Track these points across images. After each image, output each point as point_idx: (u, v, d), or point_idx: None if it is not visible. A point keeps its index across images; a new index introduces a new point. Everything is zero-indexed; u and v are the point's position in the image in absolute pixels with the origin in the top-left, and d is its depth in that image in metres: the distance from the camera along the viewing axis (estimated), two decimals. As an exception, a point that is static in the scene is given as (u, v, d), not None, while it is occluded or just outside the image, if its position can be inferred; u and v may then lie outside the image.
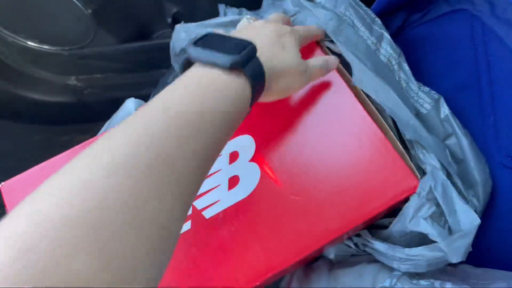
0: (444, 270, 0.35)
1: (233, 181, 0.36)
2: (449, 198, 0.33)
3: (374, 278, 0.34)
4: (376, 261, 0.36)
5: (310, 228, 0.34)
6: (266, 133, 0.38)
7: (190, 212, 0.35)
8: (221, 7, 0.48)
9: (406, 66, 0.39)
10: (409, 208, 0.33)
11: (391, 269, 0.34)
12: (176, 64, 0.50)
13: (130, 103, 0.50)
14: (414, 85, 0.39)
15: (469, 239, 0.31)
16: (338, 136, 0.37)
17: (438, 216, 0.33)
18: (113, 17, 0.66)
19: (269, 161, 0.37)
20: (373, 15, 0.42)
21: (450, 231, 0.32)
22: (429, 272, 0.34)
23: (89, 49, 0.69)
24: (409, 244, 0.34)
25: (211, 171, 0.36)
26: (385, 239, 0.35)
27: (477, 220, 0.32)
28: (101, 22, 0.65)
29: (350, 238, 0.38)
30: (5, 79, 0.72)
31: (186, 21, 0.68)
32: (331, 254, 0.38)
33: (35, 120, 0.76)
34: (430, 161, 0.35)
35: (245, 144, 0.37)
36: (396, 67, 0.40)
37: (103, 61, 0.72)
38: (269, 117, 0.38)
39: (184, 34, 0.45)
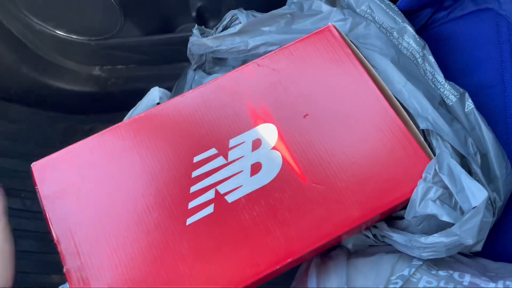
0: (463, 262, 0.35)
1: (256, 168, 0.37)
2: (456, 178, 0.33)
3: (393, 268, 0.34)
4: (394, 251, 0.36)
5: (330, 216, 0.35)
6: (289, 122, 0.38)
7: (213, 196, 0.36)
8: (230, 14, 0.49)
9: (431, 58, 0.40)
10: (417, 194, 0.34)
11: (410, 259, 0.35)
12: (191, 56, 0.52)
13: (155, 91, 0.51)
14: (440, 76, 0.39)
15: (479, 216, 0.31)
16: (359, 126, 0.38)
17: (448, 198, 0.33)
18: (140, 10, 0.68)
19: (291, 149, 0.37)
20: (396, 9, 0.43)
21: (462, 212, 0.33)
22: (448, 263, 0.35)
23: (115, 40, 0.70)
24: (427, 232, 0.34)
25: (234, 158, 0.37)
26: (403, 229, 0.36)
27: (484, 193, 0.32)
28: (127, 14, 0.67)
29: (368, 229, 0.38)
30: (32, 67, 0.74)
31: (211, 16, 0.70)
32: (349, 243, 0.39)
33: (59, 108, 0.78)
34: (441, 145, 0.35)
35: (268, 132, 0.38)
36: (420, 60, 0.40)
37: (128, 53, 0.73)
38: (291, 106, 0.39)
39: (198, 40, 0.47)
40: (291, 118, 0.39)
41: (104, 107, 0.78)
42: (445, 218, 0.32)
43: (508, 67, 0.42)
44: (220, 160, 0.37)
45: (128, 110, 0.51)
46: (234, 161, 0.37)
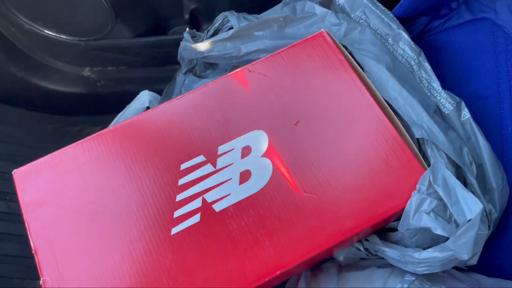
0: (456, 277, 0.34)
1: (245, 176, 0.36)
2: (451, 189, 0.32)
3: (385, 283, 0.33)
4: (386, 265, 0.35)
5: (322, 226, 0.34)
6: (280, 129, 0.37)
7: (200, 204, 0.35)
8: (221, 16, 0.47)
9: (427, 65, 0.39)
10: (410, 205, 0.33)
11: (402, 274, 0.34)
12: (182, 60, 0.51)
13: (144, 95, 0.50)
14: (437, 83, 0.38)
15: (474, 230, 0.30)
16: (352, 134, 0.37)
17: (442, 210, 0.32)
18: (131, 11, 0.67)
19: (282, 157, 0.36)
20: (391, 15, 0.42)
21: (457, 225, 0.32)
22: (441, 278, 0.34)
23: (105, 41, 0.69)
24: (421, 244, 0.33)
25: (222, 165, 0.36)
26: (396, 242, 0.35)
27: (479, 206, 0.31)
28: (119, 15, 0.65)
29: (361, 242, 0.37)
30: (20, 67, 0.73)
31: (204, 18, 0.69)
32: (340, 256, 0.38)
33: (48, 109, 0.76)
34: (436, 155, 0.34)
35: (258, 139, 0.37)
36: (415, 67, 0.39)
37: (118, 54, 0.72)
38: (282, 113, 0.38)
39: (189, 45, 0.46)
40: (282, 125, 0.38)
41: (93, 109, 0.77)
42: (439, 231, 0.31)
43: (504, 78, 0.41)
44: (208, 168, 0.36)
45: (118, 112, 0.50)
46: (222, 168, 0.36)
